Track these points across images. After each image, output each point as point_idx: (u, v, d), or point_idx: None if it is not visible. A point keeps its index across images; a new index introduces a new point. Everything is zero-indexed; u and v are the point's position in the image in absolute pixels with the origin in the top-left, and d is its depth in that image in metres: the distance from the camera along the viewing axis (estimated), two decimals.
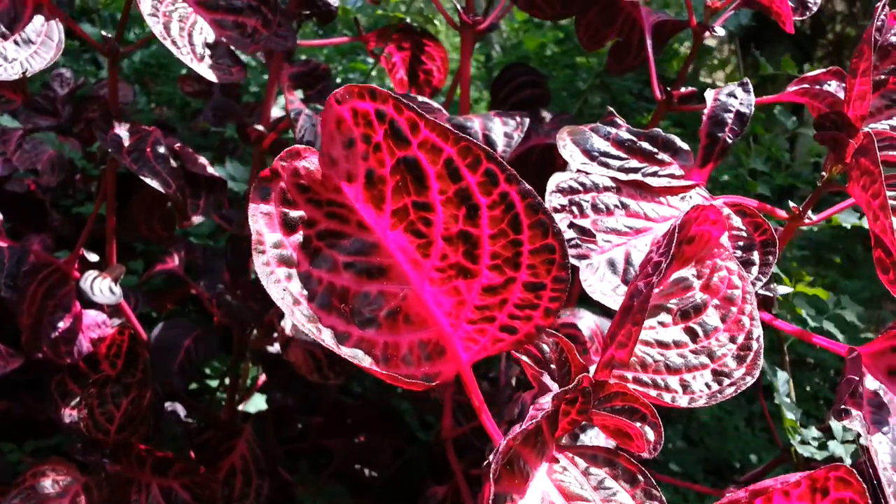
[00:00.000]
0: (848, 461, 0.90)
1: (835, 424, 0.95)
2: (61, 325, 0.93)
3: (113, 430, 0.94)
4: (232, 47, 0.78)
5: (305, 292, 0.42)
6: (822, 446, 0.94)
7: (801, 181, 1.88)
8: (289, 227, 0.43)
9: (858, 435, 0.92)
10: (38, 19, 0.75)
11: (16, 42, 0.72)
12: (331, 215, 0.44)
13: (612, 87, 2.40)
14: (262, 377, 1.25)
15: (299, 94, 1.16)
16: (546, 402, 0.41)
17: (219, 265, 1.12)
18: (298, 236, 0.43)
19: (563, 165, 1.23)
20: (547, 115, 1.23)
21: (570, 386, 0.42)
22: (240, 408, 1.22)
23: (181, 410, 1.16)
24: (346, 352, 0.41)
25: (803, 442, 0.94)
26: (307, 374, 1.02)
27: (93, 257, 0.97)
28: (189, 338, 1.05)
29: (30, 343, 0.91)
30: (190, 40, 0.76)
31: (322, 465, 1.28)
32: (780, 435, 1.17)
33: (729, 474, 1.51)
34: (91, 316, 0.96)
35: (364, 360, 0.42)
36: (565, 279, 0.44)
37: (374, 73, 2.03)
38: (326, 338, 0.41)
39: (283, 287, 0.41)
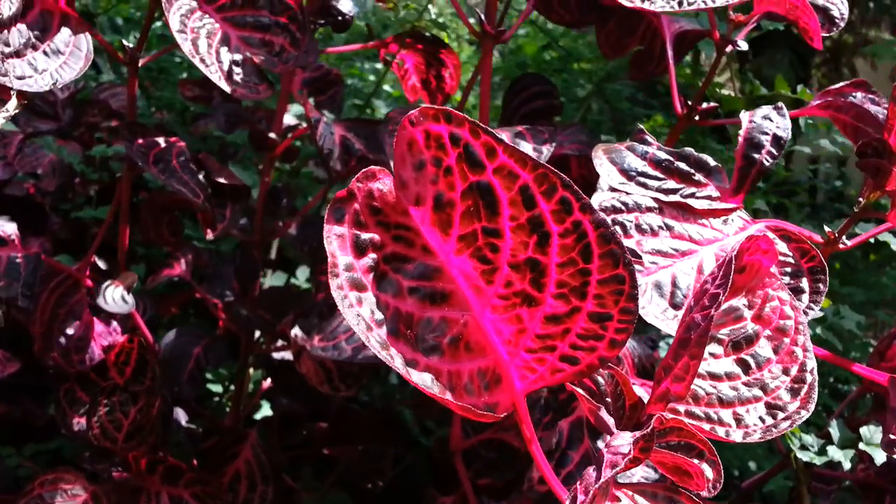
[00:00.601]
0: (847, 465, 0.90)
1: (834, 430, 0.95)
2: (72, 332, 0.91)
3: (121, 439, 0.92)
4: (260, 66, 0.77)
5: (376, 318, 0.41)
6: (822, 451, 0.94)
7: (799, 188, 1.88)
8: (359, 249, 0.42)
9: (857, 440, 0.93)
10: (66, 30, 0.73)
11: (45, 53, 0.71)
12: (397, 238, 0.43)
13: (606, 92, 2.40)
14: (266, 383, 1.24)
15: (311, 101, 1.15)
16: (624, 445, 0.40)
17: (227, 271, 1.10)
18: (367, 259, 0.42)
19: (577, 176, 1.23)
20: (558, 126, 1.22)
21: (647, 431, 0.40)
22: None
23: (183, 417, 1.15)
24: (416, 380, 0.40)
25: (803, 447, 0.94)
26: (318, 385, 1.00)
27: (104, 265, 0.95)
28: (199, 346, 1.04)
29: (42, 351, 0.90)
30: (217, 58, 0.75)
31: (326, 472, 1.26)
32: (780, 441, 1.17)
33: (729, 483, 1.51)
34: (102, 323, 0.95)
35: (434, 389, 0.41)
36: (633, 311, 0.43)
37: (372, 77, 2.01)
38: (399, 366, 0.40)
39: (356, 312, 0.40)
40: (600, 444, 0.66)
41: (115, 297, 0.88)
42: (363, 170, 0.41)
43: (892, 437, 0.58)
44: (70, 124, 1.39)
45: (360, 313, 0.40)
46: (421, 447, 1.42)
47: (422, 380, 0.41)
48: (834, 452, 0.91)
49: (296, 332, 0.98)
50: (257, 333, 1.12)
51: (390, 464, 1.25)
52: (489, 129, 0.40)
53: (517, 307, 0.43)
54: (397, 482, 1.30)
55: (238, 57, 0.77)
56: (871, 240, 1.16)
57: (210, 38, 0.76)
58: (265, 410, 1.33)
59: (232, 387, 1.32)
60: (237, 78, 0.76)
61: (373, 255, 0.42)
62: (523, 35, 2.59)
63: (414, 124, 0.41)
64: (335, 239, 0.41)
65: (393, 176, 0.42)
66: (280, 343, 1.12)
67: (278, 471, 1.12)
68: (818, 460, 0.91)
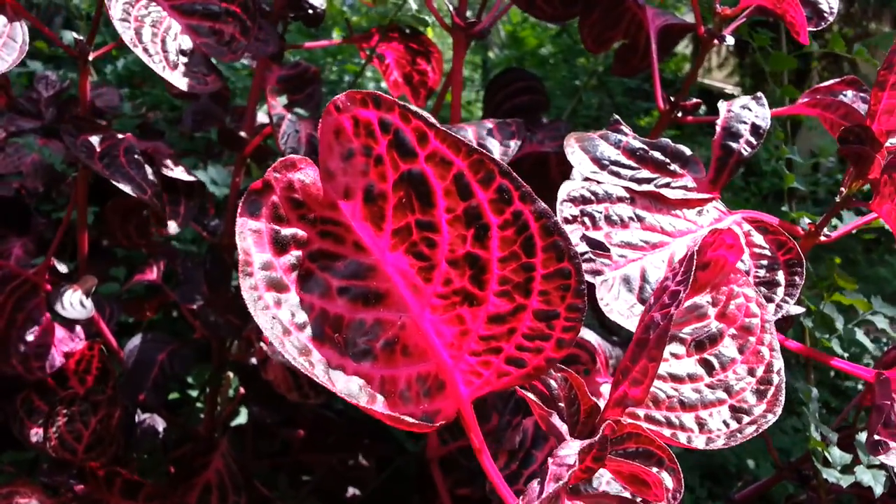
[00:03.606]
0: (879, 490, 0.83)
1: (861, 445, 0.88)
2: (32, 338, 0.87)
3: (81, 450, 0.89)
4: (208, 55, 0.73)
5: (297, 321, 0.37)
6: (847, 471, 0.87)
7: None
8: (279, 246, 0.38)
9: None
10: (1, 20, 0.69)
11: None
12: (325, 234, 0.39)
13: (608, 85, 2.36)
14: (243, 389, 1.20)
15: (282, 99, 1.11)
16: (570, 456, 0.36)
17: (198, 275, 1.07)
18: (289, 257, 0.38)
19: (557, 174, 1.19)
20: (543, 121, 1.19)
21: (596, 439, 0.37)
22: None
23: (159, 424, 1.11)
24: (340, 388, 0.37)
25: (826, 464, 0.88)
26: (286, 393, 0.97)
27: (63, 268, 0.92)
28: (163, 352, 1.00)
29: None
30: (163, 47, 0.71)
31: (302, 481, 1.23)
32: (774, 442, 1.12)
33: (726, 480, 1.47)
34: (64, 329, 0.91)
35: (361, 398, 0.37)
36: (581, 308, 0.39)
37: (368, 73, 1.98)
38: (319, 373, 0.37)
39: (271, 315, 0.37)
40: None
41: (72, 301, 0.85)
42: (281, 159, 0.37)
43: (876, 437, 0.54)
44: (53, 123, 1.36)
45: (277, 315, 0.37)
46: (409, 454, 1.39)
47: (347, 388, 0.37)
48: (862, 474, 0.84)
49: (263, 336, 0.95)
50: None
51: (372, 472, 1.22)
52: (421, 113, 0.36)
53: (458, 307, 0.40)
54: (381, 490, 1.26)
55: (186, 46, 0.74)
56: (873, 234, 1.12)
57: (155, 26, 0.73)
58: (244, 417, 1.30)
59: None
60: (184, 68, 0.72)
61: (296, 253, 0.38)
62: (521, 29, 2.56)
63: (340, 110, 0.37)
64: (250, 234, 0.37)
65: (318, 167, 0.39)
66: (253, 350, 1.09)
67: (251, 480, 1.08)
68: (844, 481, 0.84)
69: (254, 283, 0.36)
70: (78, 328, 0.93)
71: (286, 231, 0.38)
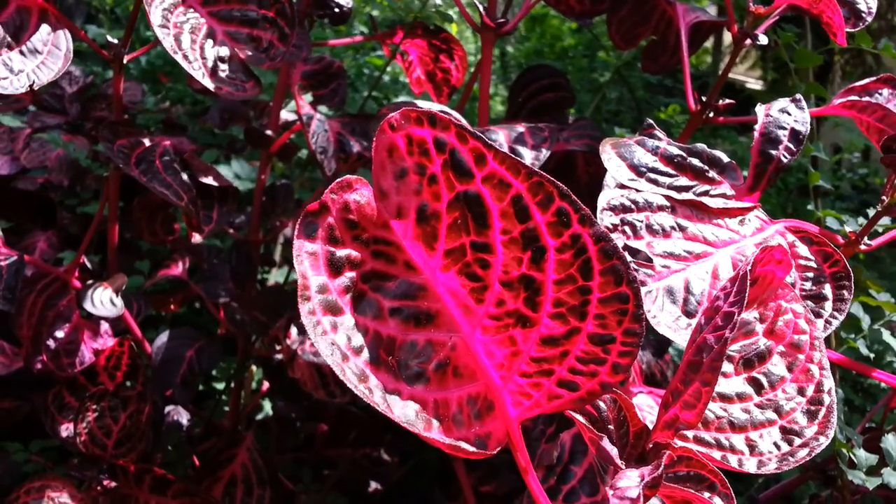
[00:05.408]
0: None
1: (889, 445, 0.87)
2: (62, 335, 0.87)
3: (110, 446, 0.89)
4: (246, 62, 0.73)
5: (353, 345, 0.37)
6: (874, 472, 0.86)
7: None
8: (334, 268, 0.37)
9: None
10: (45, 28, 0.69)
11: (22, 52, 0.67)
12: (377, 254, 0.38)
13: (629, 80, 2.35)
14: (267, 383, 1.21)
15: (308, 96, 1.11)
16: (632, 489, 0.36)
17: (224, 271, 1.07)
18: (344, 279, 0.38)
19: (583, 173, 1.18)
20: (569, 119, 1.18)
21: (658, 473, 0.36)
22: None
23: (183, 416, 1.12)
24: (398, 414, 0.36)
25: (852, 465, 0.87)
26: (313, 391, 0.97)
27: (90, 265, 0.92)
28: (192, 349, 1.00)
29: (30, 355, 0.86)
30: (202, 54, 0.70)
31: (325, 475, 1.23)
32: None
33: (746, 477, 1.46)
34: (92, 325, 0.91)
35: (418, 425, 0.37)
36: (638, 332, 0.39)
37: (388, 68, 1.97)
38: (378, 399, 0.36)
39: (330, 340, 0.36)
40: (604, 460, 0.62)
41: (102, 299, 0.85)
42: (337, 180, 0.37)
43: None
44: (78, 119, 1.36)
45: (335, 341, 0.36)
46: (430, 448, 1.38)
47: (404, 414, 0.37)
48: (890, 476, 0.81)
49: (292, 332, 0.95)
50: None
51: (394, 467, 1.22)
52: (478, 134, 0.36)
53: (510, 328, 0.39)
54: (403, 485, 1.26)
55: (224, 53, 0.73)
56: None
57: (194, 33, 0.72)
58: (269, 410, 1.30)
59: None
60: (222, 75, 0.71)
61: (350, 274, 0.38)
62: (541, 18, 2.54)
63: (394, 128, 0.37)
64: (307, 257, 0.36)
65: (372, 186, 0.38)
66: (278, 346, 1.09)
67: (276, 474, 1.09)
68: (871, 483, 0.82)
69: (311, 307, 0.36)
70: (106, 325, 0.94)
71: (341, 252, 0.38)
